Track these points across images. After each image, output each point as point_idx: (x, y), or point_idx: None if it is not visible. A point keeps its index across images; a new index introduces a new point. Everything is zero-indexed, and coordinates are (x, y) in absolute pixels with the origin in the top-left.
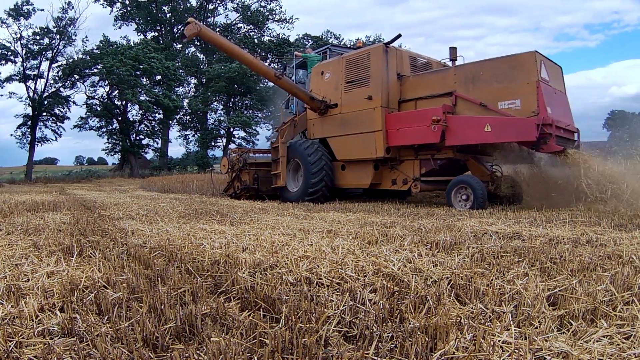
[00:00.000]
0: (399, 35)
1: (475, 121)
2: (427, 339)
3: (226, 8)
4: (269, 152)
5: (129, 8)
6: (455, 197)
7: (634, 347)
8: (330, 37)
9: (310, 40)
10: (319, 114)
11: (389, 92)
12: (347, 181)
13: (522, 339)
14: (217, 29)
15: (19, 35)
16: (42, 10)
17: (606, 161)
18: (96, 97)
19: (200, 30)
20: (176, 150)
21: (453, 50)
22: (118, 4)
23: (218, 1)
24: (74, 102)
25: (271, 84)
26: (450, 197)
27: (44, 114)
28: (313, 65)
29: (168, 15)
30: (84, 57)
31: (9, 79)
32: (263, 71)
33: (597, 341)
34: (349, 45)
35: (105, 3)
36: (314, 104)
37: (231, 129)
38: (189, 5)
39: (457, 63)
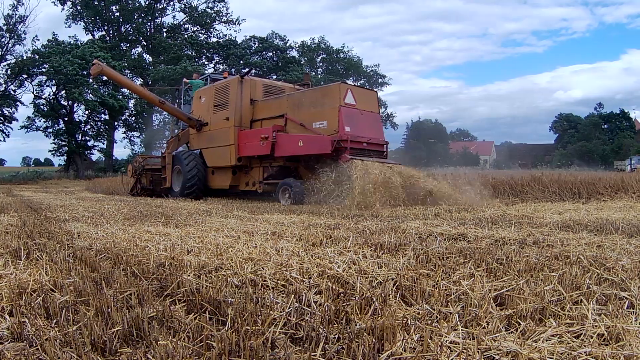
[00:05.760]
0: (250, 70)
1: (293, 138)
2: (374, 340)
3: (174, 8)
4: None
5: (78, 7)
6: (282, 195)
7: (584, 346)
8: (276, 39)
9: (256, 42)
10: (196, 130)
11: (242, 114)
12: (216, 183)
13: (470, 339)
14: (164, 30)
15: None
16: None
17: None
18: (43, 96)
19: (102, 69)
20: (121, 151)
21: (306, 76)
22: (69, 3)
23: (166, 1)
24: (21, 102)
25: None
26: (278, 195)
27: None
28: (196, 89)
29: (116, 15)
30: (32, 56)
31: None
32: (150, 99)
33: (546, 340)
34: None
35: (57, 1)
36: (192, 123)
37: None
38: (137, 4)
39: (309, 88)
